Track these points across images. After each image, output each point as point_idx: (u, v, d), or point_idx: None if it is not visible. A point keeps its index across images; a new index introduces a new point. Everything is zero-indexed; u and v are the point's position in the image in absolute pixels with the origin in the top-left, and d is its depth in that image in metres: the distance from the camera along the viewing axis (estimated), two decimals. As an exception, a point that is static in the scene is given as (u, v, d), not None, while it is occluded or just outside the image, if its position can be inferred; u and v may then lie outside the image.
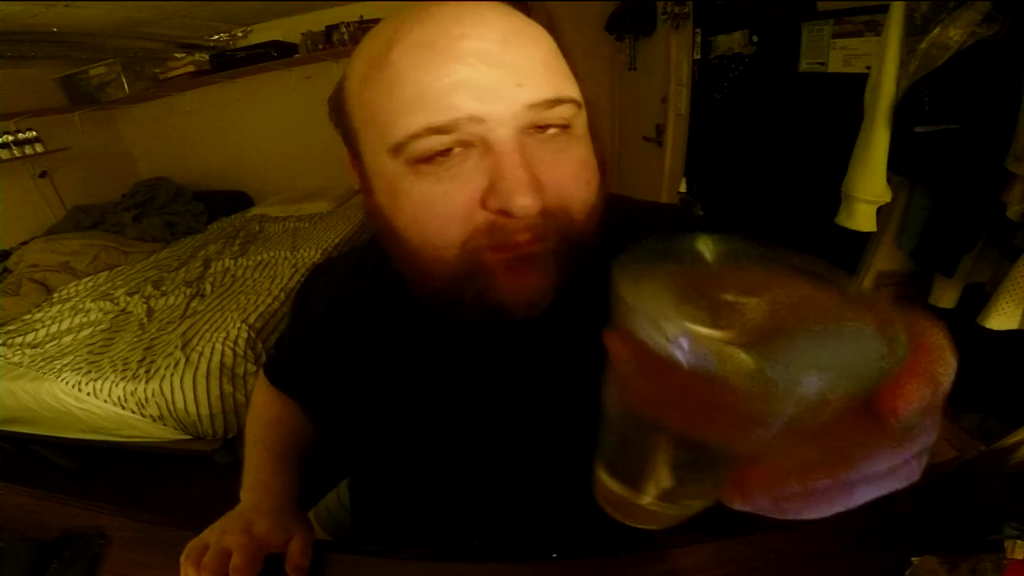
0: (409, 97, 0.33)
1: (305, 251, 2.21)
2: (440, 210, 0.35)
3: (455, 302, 0.38)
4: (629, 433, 0.22)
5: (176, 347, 1.53)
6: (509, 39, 0.34)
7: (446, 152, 0.34)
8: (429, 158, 0.34)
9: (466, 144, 0.34)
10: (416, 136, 0.33)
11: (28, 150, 2.41)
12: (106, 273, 2.27)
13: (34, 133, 2.42)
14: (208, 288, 1.99)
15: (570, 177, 0.36)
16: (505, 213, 0.33)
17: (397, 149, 0.34)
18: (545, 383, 0.44)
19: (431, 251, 0.36)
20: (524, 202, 0.32)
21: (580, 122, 0.38)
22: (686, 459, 0.20)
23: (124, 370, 1.48)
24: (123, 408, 1.45)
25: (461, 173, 0.34)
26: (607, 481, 0.24)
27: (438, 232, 0.35)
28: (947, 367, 0.16)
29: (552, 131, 0.35)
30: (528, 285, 0.37)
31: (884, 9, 1.03)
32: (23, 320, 1.90)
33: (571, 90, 0.36)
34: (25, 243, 2.40)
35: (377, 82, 0.35)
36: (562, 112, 0.35)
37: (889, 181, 1.13)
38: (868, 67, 1.12)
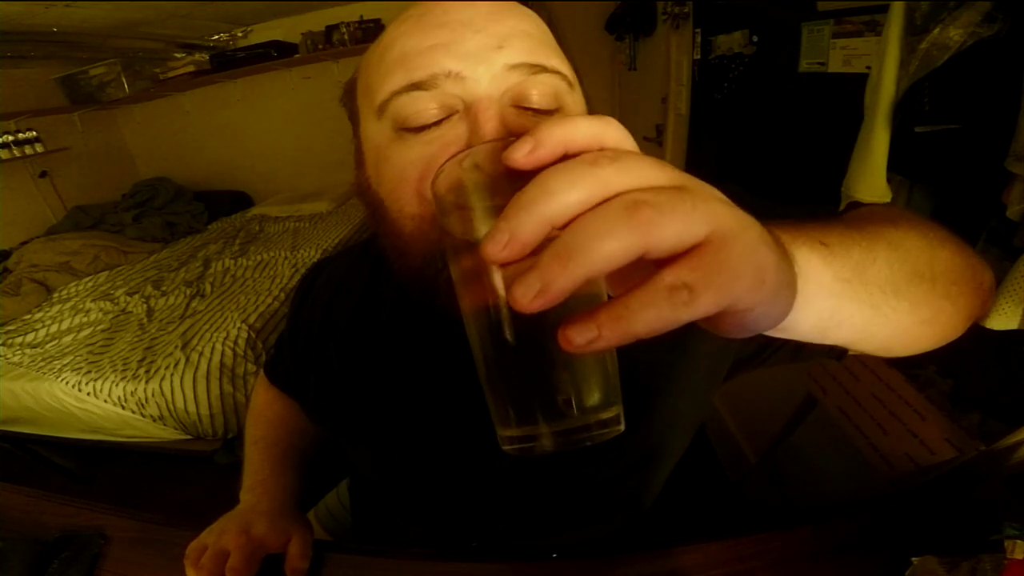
0: (395, 60, 0.35)
1: (305, 251, 2.20)
2: (417, 172, 0.34)
3: (432, 284, 0.37)
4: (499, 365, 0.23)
5: (176, 347, 1.53)
6: (495, 12, 0.35)
7: (431, 125, 0.34)
8: (415, 129, 0.34)
9: (448, 108, 0.34)
10: (397, 92, 0.34)
11: (28, 150, 2.41)
12: (106, 273, 2.27)
13: (34, 133, 2.42)
14: (208, 288, 1.99)
15: None
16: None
17: (381, 109, 0.35)
18: None
19: (408, 220, 0.36)
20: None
21: (572, 102, 0.37)
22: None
23: (124, 370, 1.48)
24: (123, 408, 1.45)
25: (441, 136, 0.34)
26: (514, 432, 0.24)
27: (414, 196, 0.35)
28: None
29: (538, 101, 0.35)
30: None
31: (884, 9, 1.03)
32: (23, 320, 1.90)
33: (559, 64, 0.36)
34: (25, 243, 2.40)
35: (374, 56, 0.38)
36: (548, 82, 0.35)
37: (889, 181, 1.13)
38: (868, 67, 1.11)
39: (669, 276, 0.18)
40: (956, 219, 1.09)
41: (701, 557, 0.47)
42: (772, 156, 1.75)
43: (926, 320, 0.32)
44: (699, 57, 1.94)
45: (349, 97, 0.42)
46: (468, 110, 0.33)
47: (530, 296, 0.18)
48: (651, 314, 0.18)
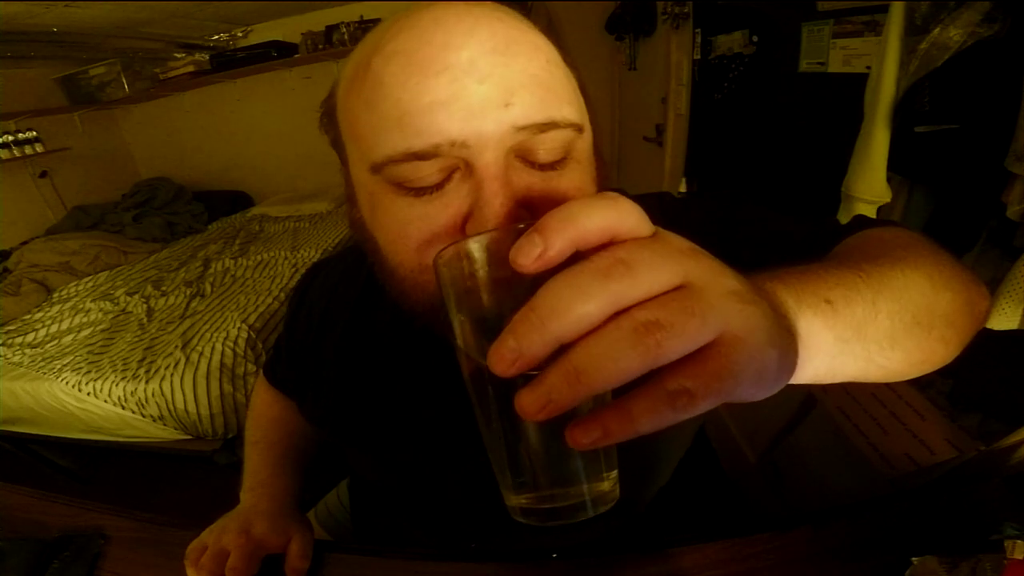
0: (389, 115, 0.31)
1: (305, 251, 2.20)
2: (419, 233, 0.33)
3: (432, 325, 0.37)
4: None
5: (176, 347, 1.53)
6: (500, 50, 0.30)
7: (430, 187, 0.32)
8: (413, 189, 0.32)
9: (450, 168, 0.31)
10: (396, 160, 0.31)
11: (28, 150, 2.40)
12: (106, 273, 2.27)
13: (34, 133, 2.42)
14: (208, 288, 1.99)
15: None
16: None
17: (376, 168, 0.32)
18: None
19: (409, 273, 0.35)
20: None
21: (581, 147, 0.35)
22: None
23: (124, 370, 1.48)
24: (123, 408, 1.45)
25: (442, 195, 0.32)
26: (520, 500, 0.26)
27: (416, 255, 0.33)
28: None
29: (545, 157, 0.32)
30: None
31: (884, 9, 1.03)
32: (23, 320, 1.90)
33: (570, 112, 0.33)
34: (25, 243, 2.40)
35: (358, 92, 0.33)
36: (557, 137, 0.32)
37: (889, 181, 1.13)
38: (868, 67, 1.11)
39: (671, 383, 0.18)
40: (956, 219, 1.09)
41: (701, 557, 0.47)
42: (772, 156, 1.75)
43: (917, 363, 0.32)
44: (699, 57, 1.94)
45: (330, 122, 0.38)
46: (471, 172, 0.31)
47: (536, 408, 0.19)
48: (652, 417, 0.18)
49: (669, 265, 0.19)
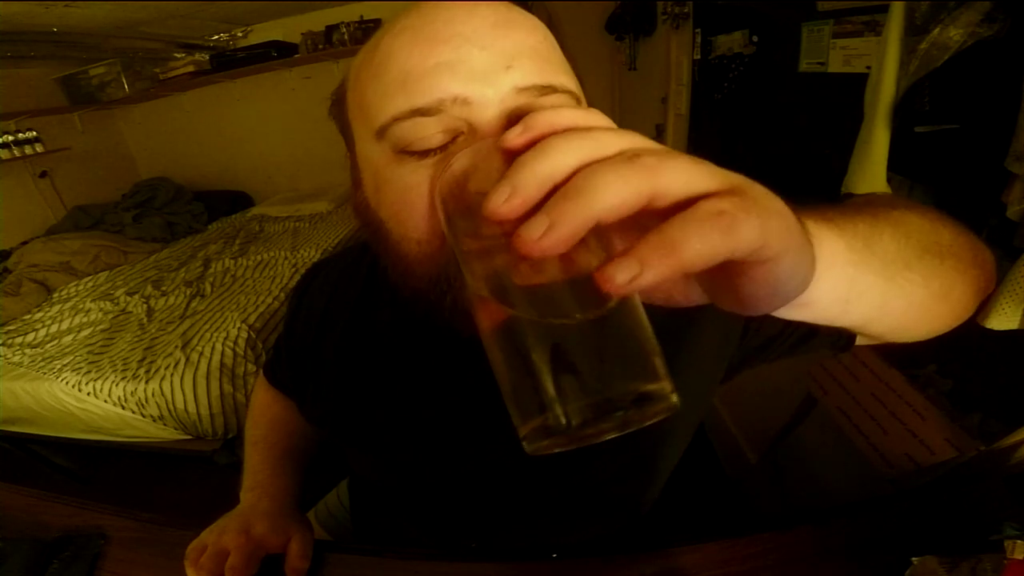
0: (395, 79, 0.32)
1: (305, 251, 2.20)
2: (423, 199, 0.33)
3: (437, 305, 0.36)
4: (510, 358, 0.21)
5: (176, 347, 1.53)
6: (500, 24, 0.33)
7: (433, 149, 0.32)
8: (418, 153, 0.32)
9: (453, 131, 0.32)
10: (400, 118, 0.32)
11: (28, 150, 2.40)
12: (106, 273, 2.27)
13: (34, 133, 2.42)
14: (208, 288, 1.98)
15: None
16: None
17: (381, 132, 0.33)
18: None
19: (413, 244, 0.35)
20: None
21: None
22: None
23: (124, 370, 1.48)
24: (123, 408, 1.45)
25: (445, 159, 0.32)
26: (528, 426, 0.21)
27: (419, 221, 0.33)
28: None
29: None
30: None
31: (884, 9, 1.03)
32: (23, 320, 1.90)
33: (567, 81, 0.34)
34: (25, 243, 2.40)
35: (368, 68, 0.34)
36: (556, 101, 0.33)
37: (889, 181, 1.13)
38: (868, 67, 1.12)
39: (706, 204, 0.17)
40: (956, 219, 1.09)
41: (701, 557, 0.47)
42: (772, 156, 1.75)
43: (939, 294, 0.32)
44: (699, 57, 1.94)
45: (339, 109, 0.40)
46: (474, 133, 0.32)
47: (537, 235, 0.17)
48: (696, 241, 0.16)
49: (651, 141, 0.20)
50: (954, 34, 0.87)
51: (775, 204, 0.19)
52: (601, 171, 0.18)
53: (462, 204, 0.24)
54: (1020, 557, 0.38)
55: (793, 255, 0.19)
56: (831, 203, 0.41)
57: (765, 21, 1.65)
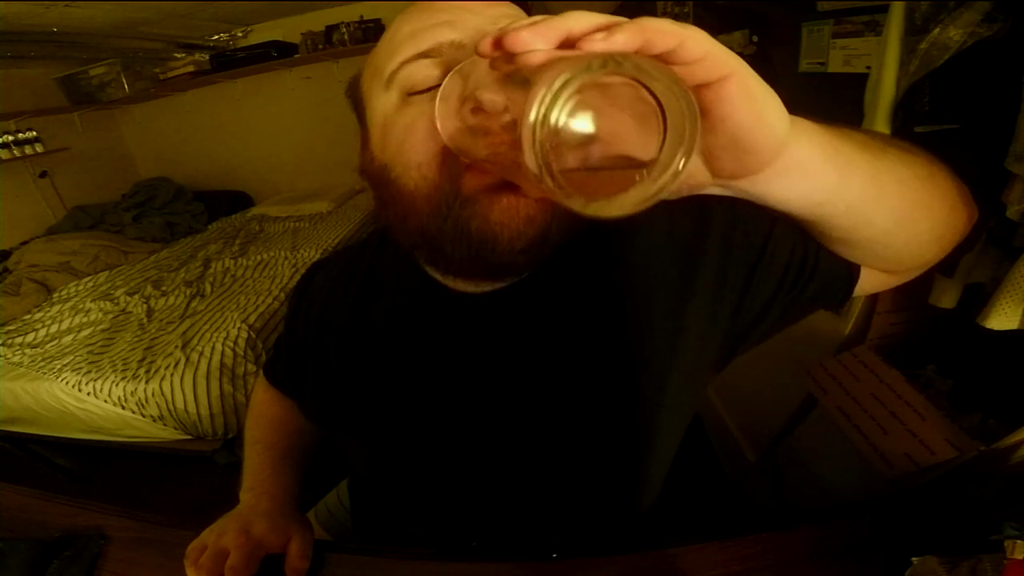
0: (404, 37, 0.38)
1: (305, 251, 2.20)
2: (421, 127, 0.36)
3: (438, 238, 0.38)
4: None
5: (176, 347, 1.53)
6: (492, 5, 0.39)
7: (435, 86, 0.36)
8: (422, 91, 0.37)
9: (449, 69, 0.35)
10: (406, 62, 0.37)
11: (28, 150, 2.41)
12: (106, 273, 2.27)
13: (34, 133, 2.42)
14: (208, 288, 1.99)
15: None
16: (477, 110, 0.31)
17: (390, 78, 0.38)
18: (543, 377, 0.44)
19: (414, 176, 0.38)
20: (491, 96, 0.29)
21: None
22: None
23: (124, 370, 1.48)
24: (123, 408, 1.45)
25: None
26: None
27: (420, 149, 0.37)
28: None
29: None
30: (510, 207, 0.36)
31: (884, 9, 1.03)
32: (23, 320, 1.90)
33: None
34: (25, 243, 2.40)
35: (380, 45, 0.41)
36: None
37: (889, 181, 1.13)
38: (868, 67, 1.11)
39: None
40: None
41: (701, 557, 0.47)
42: (772, 156, 1.75)
43: (923, 177, 0.35)
44: (699, 57, 1.94)
45: (354, 87, 0.45)
46: None
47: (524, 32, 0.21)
48: (655, 23, 0.21)
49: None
50: (954, 34, 0.87)
51: (766, 91, 0.25)
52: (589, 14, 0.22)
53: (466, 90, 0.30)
54: (1020, 557, 0.38)
55: (753, 79, 0.24)
56: None
57: (765, 21, 1.65)
